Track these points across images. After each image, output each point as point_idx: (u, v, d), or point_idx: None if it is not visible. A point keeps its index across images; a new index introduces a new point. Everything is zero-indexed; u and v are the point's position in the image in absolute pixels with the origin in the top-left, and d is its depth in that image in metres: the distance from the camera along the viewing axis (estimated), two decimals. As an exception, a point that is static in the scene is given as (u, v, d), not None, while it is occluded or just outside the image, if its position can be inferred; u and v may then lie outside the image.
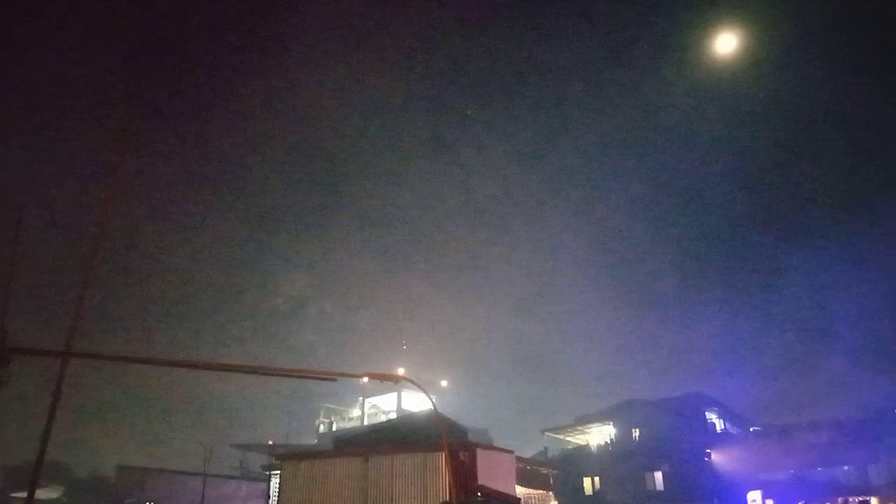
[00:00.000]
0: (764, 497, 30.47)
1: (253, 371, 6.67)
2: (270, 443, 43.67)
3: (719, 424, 40.15)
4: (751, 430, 41.44)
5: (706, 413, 39.55)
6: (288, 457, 25.60)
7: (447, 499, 18.78)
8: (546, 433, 44.16)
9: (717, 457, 35.94)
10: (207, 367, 6.99)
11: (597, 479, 39.23)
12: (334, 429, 52.97)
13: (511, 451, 24.88)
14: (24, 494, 31.70)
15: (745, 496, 31.21)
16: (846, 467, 33.87)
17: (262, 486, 33.06)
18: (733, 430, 40.50)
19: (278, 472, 25.20)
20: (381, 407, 52.51)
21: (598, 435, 42.03)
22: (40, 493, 30.77)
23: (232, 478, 42.72)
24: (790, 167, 69.08)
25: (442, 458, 19.27)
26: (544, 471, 29.52)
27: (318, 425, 55.22)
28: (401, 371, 48.05)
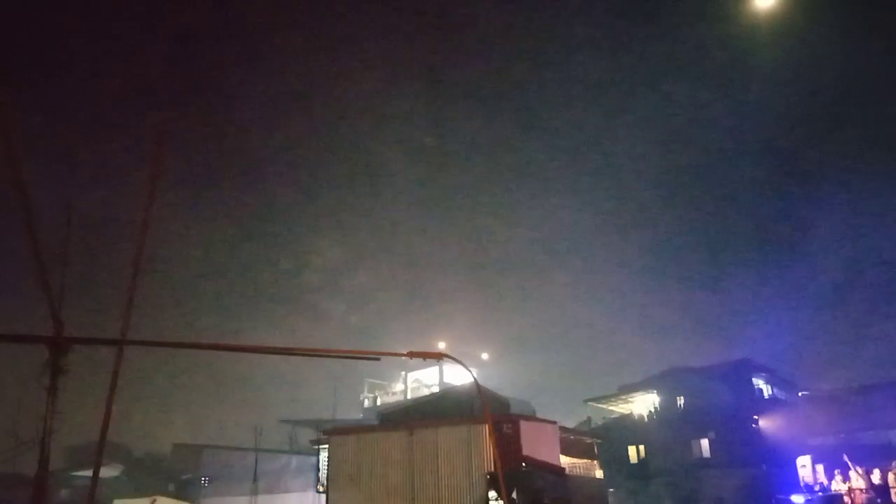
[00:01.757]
0: (814, 462, 30.05)
1: (299, 353, 6.83)
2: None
3: (767, 390, 39.58)
4: (799, 394, 40.79)
5: (753, 379, 39.02)
6: (335, 431, 26.22)
7: (492, 470, 19.03)
8: (589, 403, 44.17)
9: (765, 422, 35.51)
10: (254, 350, 7.18)
11: (642, 447, 39.19)
12: (378, 403, 53.91)
13: (554, 422, 25.02)
14: (85, 473, 33.16)
15: (795, 461, 30.85)
16: (897, 431, 33.13)
17: (312, 459, 33.90)
18: (781, 396, 39.91)
19: (326, 446, 25.80)
20: (423, 381, 53.20)
21: (642, 404, 41.88)
22: (102, 472, 32.07)
23: (282, 452, 43.86)
24: (825, 124, 66.67)
25: (486, 431, 19.50)
26: (588, 440, 29.59)
27: (363, 400, 56.25)
28: (441, 346, 48.58)
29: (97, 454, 7.30)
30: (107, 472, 35.03)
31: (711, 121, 64.18)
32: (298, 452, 43.24)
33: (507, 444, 20.11)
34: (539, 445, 21.73)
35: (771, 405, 37.51)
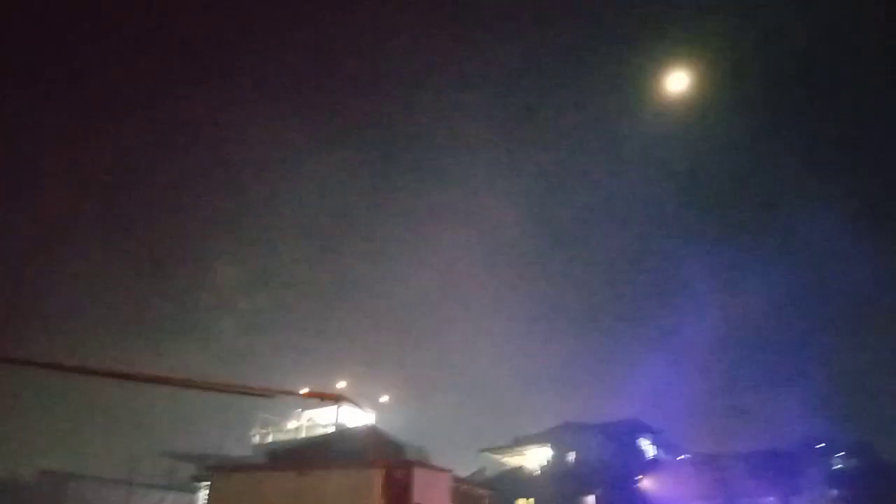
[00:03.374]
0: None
1: (189, 385, 6.52)
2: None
3: (651, 451, 40.94)
4: (680, 457, 42.32)
5: (640, 439, 40.31)
6: (219, 468, 24.98)
7: (380, 518, 18.62)
8: (484, 453, 44.22)
9: (647, 483, 36.61)
10: (139, 378, 6.81)
11: (531, 500, 39.45)
12: (270, 440, 51.86)
13: (448, 471, 24.77)
14: (-69, 498, 30.01)
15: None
16: (770, 498, 34.87)
17: (191, 497, 32.09)
18: (665, 457, 41.34)
19: (208, 483, 24.49)
20: (318, 420, 51.70)
21: (536, 457, 42.36)
22: (-50, 498, 29.21)
23: (159, 487, 41.37)
24: (712, 194, 71.57)
25: (377, 476, 19.13)
26: (480, 491, 29.45)
27: (254, 436, 53.97)
28: (342, 384, 47.52)
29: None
30: (-44, 498, 31.89)
31: (598, 184, 67.25)
32: (177, 488, 40.88)
33: (399, 491, 19.76)
34: (431, 494, 21.45)
35: (654, 466, 38.79)
